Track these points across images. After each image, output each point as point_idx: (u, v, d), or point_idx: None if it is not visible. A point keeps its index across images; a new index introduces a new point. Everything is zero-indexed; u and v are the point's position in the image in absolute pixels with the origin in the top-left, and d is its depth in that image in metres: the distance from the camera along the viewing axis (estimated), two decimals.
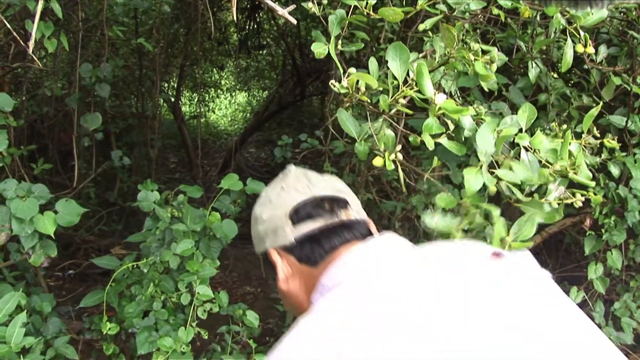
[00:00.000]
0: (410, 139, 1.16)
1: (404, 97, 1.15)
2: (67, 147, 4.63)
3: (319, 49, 1.43)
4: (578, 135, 2.68)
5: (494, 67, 1.41)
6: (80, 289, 4.32)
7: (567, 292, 2.98)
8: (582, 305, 3.06)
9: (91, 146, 4.19)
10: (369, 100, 1.21)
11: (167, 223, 2.50)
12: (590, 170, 2.58)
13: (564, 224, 3.16)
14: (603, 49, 2.62)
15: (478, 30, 2.40)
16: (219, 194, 2.69)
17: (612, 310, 3.03)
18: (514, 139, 1.27)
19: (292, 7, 1.63)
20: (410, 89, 1.13)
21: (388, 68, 1.16)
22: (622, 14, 2.70)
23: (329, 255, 0.99)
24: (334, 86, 1.21)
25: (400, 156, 1.20)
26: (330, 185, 1.09)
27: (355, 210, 1.07)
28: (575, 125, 2.73)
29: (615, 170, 2.63)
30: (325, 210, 1.03)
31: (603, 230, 2.81)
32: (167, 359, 2.22)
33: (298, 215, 1.03)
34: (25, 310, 2.16)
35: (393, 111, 1.19)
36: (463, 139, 1.19)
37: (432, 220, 1.06)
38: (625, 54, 2.71)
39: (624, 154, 2.70)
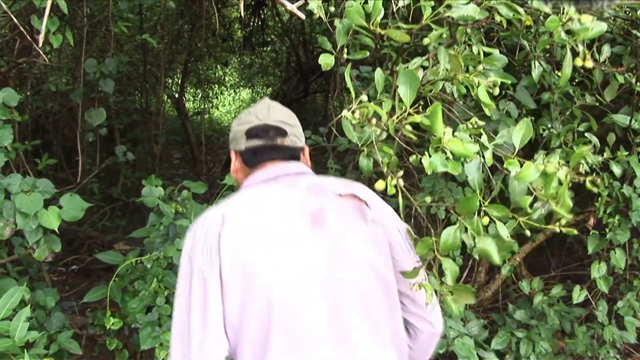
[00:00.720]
0: (411, 159, 1.17)
1: (410, 123, 1.18)
2: (71, 143, 4.65)
3: (327, 60, 1.44)
4: (580, 134, 2.68)
5: (497, 90, 1.42)
6: (83, 284, 4.33)
7: (570, 291, 2.98)
8: (585, 304, 3.06)
9: (95, 142, 4.20)
10: (377, 130, 1.23)
11: (171, 219, 2.51)
12: (594, 170, 2.59)
13: (567, 223, 3.16)
14: (606, 49, 2.62)
15: (482, 29, 2.39)
16: (223, 189, 2.70)
17: (615, 309, 3.03)
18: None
19: (300, 2, 1.63)
20: (418, 114, 1.15)
21: (394, 73, 1.18)
22: (626, 13, 2.70)
23: (259, 164, 1.50)
24: (347, 118, 1.24)
25: (401, 182, 1.21)
26: (281, 118, 1.53)
27: (292, 140, 1.52)
28: (577, 124, 2.73)
29: (617, 170, 2.63)
30: (268, 135, 1.50)
31: (607, 229, 2.80)
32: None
33: (250, 134, 1.51)
34: (29, 305, 2.17)
35: (399, 134, 1.21)
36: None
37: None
38: (629, 53, 2.70)
39: (628, 153, 2.69)
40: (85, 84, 3.82)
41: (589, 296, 2.99)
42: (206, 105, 10.67)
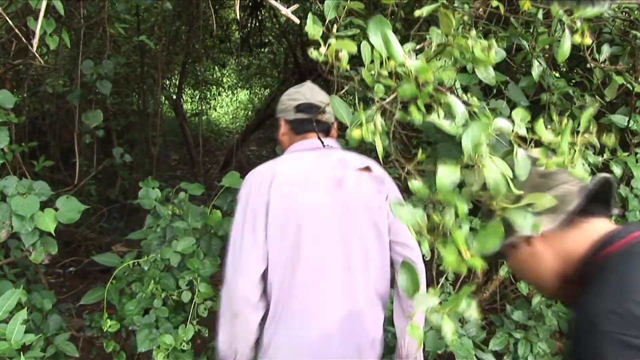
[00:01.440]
0: (398, 114, 1.12)
1: (388, 72, 1.12)
2: (68, 144, 4.63)
3: (313, 30, 1.41)
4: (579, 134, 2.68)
5: (492, 52, 1.38)
6: (80, 286, 4.32)
7: None
8: None
9: (92, 143, 4.19)
10: (348, 69, 1.18)
11: (168, 220, 2.50)
12: (593, 169, 2.59)
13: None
14: (606, 49, 2.61)
15: (480, 27, 2.40)
16: (220, 191, 2.69)
17: None
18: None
19: (295, 6, 1.62)
20: (393, 62, 1.10)
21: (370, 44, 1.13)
22: (624, 14, 2.69)
23: (304, 133, 2.08)
24: (311, 53, 1.18)
25: (379, 125, 1.16)
26: (320, 99, 2.09)
27: (327, 117, 2.09)
28: (577, 125, 2.72)
29: (617, 170, 2.63)
30: (312, 111, 2.06)
31: None
32: (168, 356, 2.22)
33: (298, 108, 2.08)
34: (26, 308, 2.16)
35: (392, 96, 1.16)
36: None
37: (399, 211, 1.03)
38: (627, 54, 2.70)
39: (626, 153, 2.69)
40: (82, 86, 3.81)
41: None
42: (204, 107, 10.66)
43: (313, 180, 1.93)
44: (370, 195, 1.97)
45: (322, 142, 1.92)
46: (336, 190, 1.92)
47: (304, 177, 1.93)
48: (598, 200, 1.19)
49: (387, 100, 1.17)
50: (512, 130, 1.11)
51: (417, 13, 1.43)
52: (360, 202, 1.94)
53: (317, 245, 1.87)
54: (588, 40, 1.47)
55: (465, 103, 1.23)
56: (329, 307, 1.87)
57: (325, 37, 1.42)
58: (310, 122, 2.06)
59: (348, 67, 1.17)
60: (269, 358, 1.87)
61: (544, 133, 1.08)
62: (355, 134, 1.23)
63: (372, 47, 1.13)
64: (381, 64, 1.14)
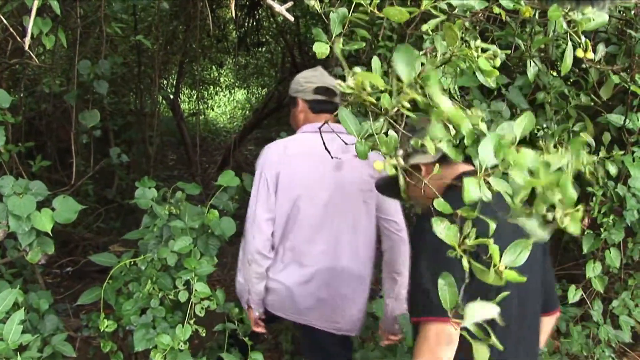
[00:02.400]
0: (412, 142, 1.15)
1: (409, 101, 1.14)
2: (65, 144, 4.61)
3: (321, 48, 1.42)
4: (575, 134, 2.68)
5: (498, 61, 1.39)
6: (78, 286, 4.32)
7: (566, 291, 2.98)
8: (581, 303, 3.06)
9: (89, 143, 4.17)
10: (374, 101, 1.19)
11: (165, 220, 2.50)
12: (592, 169, 2.59)
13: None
14: (601, 48, 2.62)
15: (477, 28, 2.39)
16: (218, 191, 2.69)
17: (610, 309, 3.04)
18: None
19: (289, 3, 1.62)
20: (415, 92, 1.11)
21: (390, 67, 1.15)
22: (620, 13, 2.70)
23: (320, 112, 2.42)
24: (340, 86, 1.20)
25: (401, 161, 1.19)
26: (332, 82, 2.38)
27: (338, 99, 2.43)
28: (573, 124, 2.73)
29: (612, 169, 2.63)
30: (328, 94, 2.42)
31: (601, 229, 2.81)
32: (165, 356, 2.22)
33: (317, 90, 2.42)
34: (23, 308, 2.16)
35: (394, 110, 1.17)
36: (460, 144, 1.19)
37: (439, 227, 1.10)
38: (623, 53, 2.71)
39: (622, 152, 2.70)
40: (79, 86, 3.80)
41: (584, 295, 2.99)
42: (201, 106, 10.65)
43: (317, 161, 2.35)
44: (364, 178, 2.41)
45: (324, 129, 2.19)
46: (335, 171, 2.37)
47: (309, 157, 2.36)
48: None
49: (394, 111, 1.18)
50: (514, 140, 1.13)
51: (424, 28, 1.44)
52: (353, 183, 2.39)
53: (312, 211, 2.37)
54: (591, 55, 1.48)
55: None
56: (317, 260, 2.41)
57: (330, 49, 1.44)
58: (325, 103, 2.43)
59: (372, 99, 1.19)
60: (271, 290, 2.46)
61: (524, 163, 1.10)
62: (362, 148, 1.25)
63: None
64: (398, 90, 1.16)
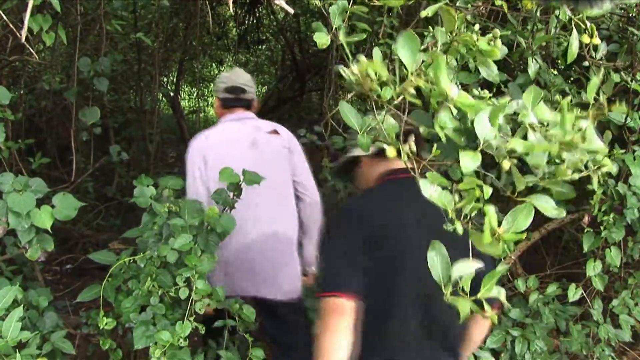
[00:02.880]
0: (420, 130, 1.14)
1: (413, 88, 1.13)
2: (65, 141, 4.61)
3: (322, 39, 1.42)
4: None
5: (499, 42, 1.38)
6: (77, 284, 4.31)
7: (566, 289, 2.98)
8: (581, 302, 3.06)
9: (89, 140, 4.17)
10: (378, 89, 1.18)
11: (165, 218, 2.49)
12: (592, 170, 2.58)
13: (563, 221, 3.16)
14: (603, 46, 2.61)
15: (477, 25, 2.39)
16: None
17: (610, 308, 3.03)
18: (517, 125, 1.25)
19: None
20: (420, 79, 1.10)
21: (393, 59, 1.14)
22: (622, 11, 2.69)
23: (231, 107, 2.88)
24: (344, 72, 1.19)
25: (414, 147, 1.17)
26: (243, 81, 2.88)
27: (248, 95, 2.88)
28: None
29: (613, 168, 2.62)
30: (237, 91, 2.86)
31: (602, 228, 2.80)
32: (164, 353, 2.22)
33: (226, 89, 2.86)
34: (22, 305, 2.15)
35: (399, 99, 1.16)
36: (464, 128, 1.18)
37: (429, 189, 1.07)
38: (625, 51, 2.70)
39: (623, 151, 2.69)
40: (79, 83, 3.79)
41: (584, 294, 2.99)
42: (201, 104, 10.64)
43: (235, 141, 2.79)
44: (277, 150, 2.83)
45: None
46: (252, 147, 2.78)
47: (229, 140, 2.80)
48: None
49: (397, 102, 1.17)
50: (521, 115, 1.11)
51: (422, 14, 1.43)
52: (269, 154, 2.78)
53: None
54: (597, 40, 1.47)
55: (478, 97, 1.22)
56: (249, 230, 2.73)
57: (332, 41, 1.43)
58: (233, 100, 2.88)
59: (377, 88, 1.18)
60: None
61: (546, 115, 1.08)
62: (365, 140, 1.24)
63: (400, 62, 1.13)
64: (401, 78, 1.14)
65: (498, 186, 1.11)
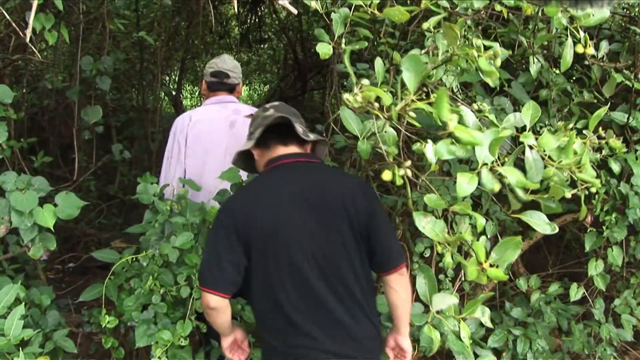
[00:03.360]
0: (414, 147, 1.16)
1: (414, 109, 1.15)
2: (68, 140, 4.62)
3: (325, 49, 1.43)
4: (579, 132, 2.67)
5: (498, 62, 1.39)
6: (80, 282, 4.31)
7: (568, 289, 2.97)
8: (583, 301, 3.05)
9: (92, 139, 4.18)
10: (379, 114, 1.20)
11: (167, 216, 2.50)
12: (592, 167, 2.58)
13: (565, 220, 3.16)
14: (605, 45, 2.61)
15: (480, 26, 2.39)
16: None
17: (612, 307, 3.03)
18: (517, 138, 1.26)
19: None
20: (421, 101, 1.12)
21: (392, 65, 1.15)
22: (624, 10, 2.69)
23: (215, 91, 3.15)
24: (349, 101, 1.21)
25: (409, 172, 1.20)
26: (228, 67, 3.15)
27: (232, 80, 3.17)
28: (576, 121, 2.72)
29: (616, 167, 2.62)
30: (221, 75, 3.14)
31: (604, 227, 2.80)
32: (166, 352, 2.22)
33: (212, 73, 3.13)
34: (24, 303, 2.16)
35: (400, 107, 1.18)
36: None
37: (422, 222, 1.11)
38: (627, 50, 2.70)
39: (625, 150, 2.69)
40: (82, 82, 3.80)
41: (586, 294, 2.99)
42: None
43: (215, 121, 3.05)
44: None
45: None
46: (230, 129, 3.04)
47: (209, 120, 3.05)
48: (275, 135, 2.03)
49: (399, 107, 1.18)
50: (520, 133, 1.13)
51: (424, 25, 1.44)
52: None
53: (215, 159, 2.97)
54: (591, 50, 1.47)
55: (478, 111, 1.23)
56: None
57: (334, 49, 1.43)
58: (218, 84, 3.13)
59: (380, 113, 1.19)
60: None
61: (550, 143, 1.09)
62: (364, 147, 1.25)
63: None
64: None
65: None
